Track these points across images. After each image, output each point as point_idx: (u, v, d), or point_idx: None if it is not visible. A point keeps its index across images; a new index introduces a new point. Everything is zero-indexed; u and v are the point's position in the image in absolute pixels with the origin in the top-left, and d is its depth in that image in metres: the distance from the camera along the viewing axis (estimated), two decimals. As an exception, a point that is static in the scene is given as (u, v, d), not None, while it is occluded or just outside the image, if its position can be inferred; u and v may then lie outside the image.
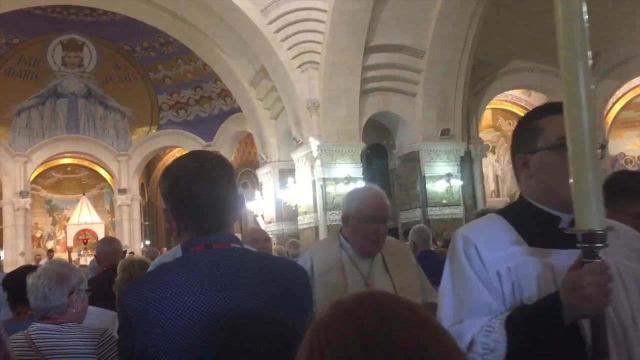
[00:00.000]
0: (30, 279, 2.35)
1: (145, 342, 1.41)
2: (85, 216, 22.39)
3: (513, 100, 22.05)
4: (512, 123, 22.85)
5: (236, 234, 1.61)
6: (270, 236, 8.99)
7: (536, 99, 21.83)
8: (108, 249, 4.23)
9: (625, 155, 22.26)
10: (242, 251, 1.56)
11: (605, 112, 19.90)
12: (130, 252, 18.00)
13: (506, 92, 20.20)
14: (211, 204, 1.51)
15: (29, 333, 2.25)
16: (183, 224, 1.54)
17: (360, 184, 14.81)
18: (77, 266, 3.62)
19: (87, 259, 18.81)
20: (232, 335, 1.41)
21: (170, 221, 1.56)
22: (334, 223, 14.24)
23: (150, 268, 2.47)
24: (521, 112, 22.54)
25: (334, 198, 14.46)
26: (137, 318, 1.42)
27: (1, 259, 20.04)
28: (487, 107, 19.38)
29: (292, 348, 1.42)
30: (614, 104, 20.91)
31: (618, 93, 20.34)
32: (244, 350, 1.42)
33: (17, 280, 2.93)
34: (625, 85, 20.01)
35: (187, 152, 1.74)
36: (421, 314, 0.74)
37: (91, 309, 2.73)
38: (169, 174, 1.56)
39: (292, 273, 1.58)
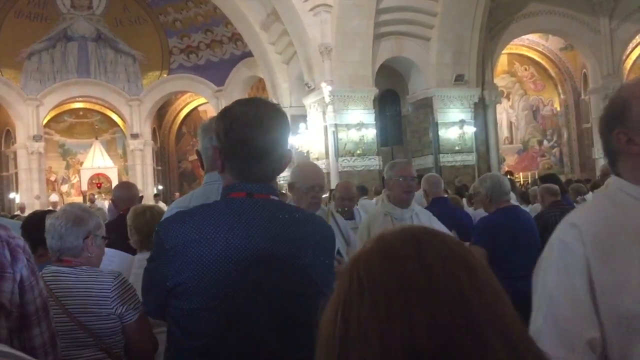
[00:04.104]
0: (48, 220, 2.40)
1: (178, 278, 1.50)
2: (98, 160, 22.57)
3: (530, 45, 21.51)
4: (527, 68, 22.41)
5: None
6: (283, 182, 9.11)
7: (553, 43, 21.31)
8: (124, 194, 4.26)
9: (642, 102, 21.82)
10: (280, 203, 1.66)
11: (624, 57, 19.36)
12: (156, 195, 17.97)
13: (523, 37, 19.68)
14: (263, 152, 1.57)
15: (43, 275, 2.29)
16: (229, 165, 1.61)
17: (372, 130, 14.75)
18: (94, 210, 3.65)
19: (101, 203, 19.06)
20: (258, 278, 1.50)
21: (217, 159, 1.63)
22: (345, 169, 14.26)
23: (167, 212, 2.49)
24: (538, 58, 22.06)
25: (345, 144, 14.42)
26: (174, 253, 1.51)
27: (17, 202, 20.39)
28: (503, 52, 18.94)
29: (309, 297, 1.51)
30: (633, 48, 20.35)
31: (638, 37, 19.75)
32: (266, 293, 1.51)
33: (35, 223, 2.98)
34: (646, 29, 19.39)
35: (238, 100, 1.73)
36: (465, 256, 0.73)
37: (109, 251, 2.79)
38: (226, 115, 1.62)
39: (320, 227, 1.67)
